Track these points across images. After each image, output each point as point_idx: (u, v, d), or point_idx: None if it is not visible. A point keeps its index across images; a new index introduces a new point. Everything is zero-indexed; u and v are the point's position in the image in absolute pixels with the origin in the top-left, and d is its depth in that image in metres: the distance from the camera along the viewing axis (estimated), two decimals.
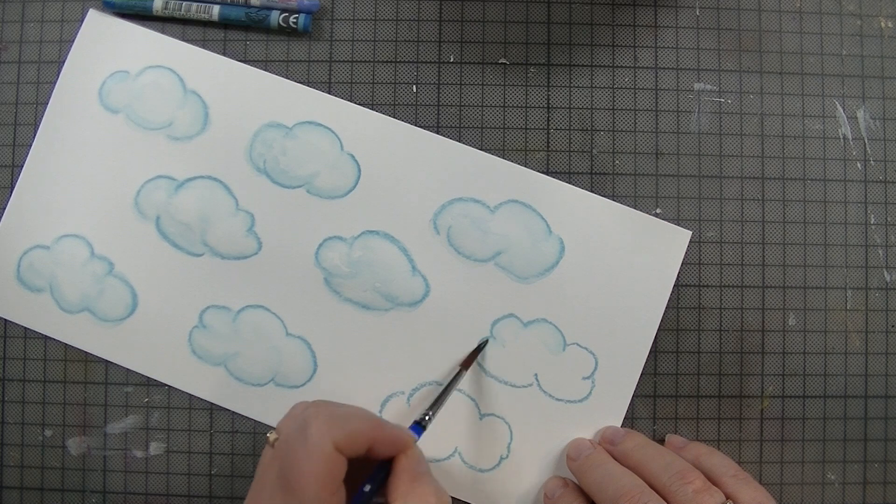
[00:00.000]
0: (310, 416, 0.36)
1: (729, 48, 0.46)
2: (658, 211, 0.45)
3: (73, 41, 0.46)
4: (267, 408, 0.45)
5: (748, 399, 0.45)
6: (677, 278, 0.45)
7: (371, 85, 0.46)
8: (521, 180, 0.45)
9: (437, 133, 0.45)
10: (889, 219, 0.46)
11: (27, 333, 0.45)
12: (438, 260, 0.45)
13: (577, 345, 0.44)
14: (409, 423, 0.40)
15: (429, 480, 0.37)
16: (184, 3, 0.45)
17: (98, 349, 0.45)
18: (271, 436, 0.37)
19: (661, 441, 0.44)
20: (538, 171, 0.45)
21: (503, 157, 0.45)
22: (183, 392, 0.45)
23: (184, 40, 0.46)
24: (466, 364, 0.43)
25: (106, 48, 0.46)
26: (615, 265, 0.45)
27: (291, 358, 0.45)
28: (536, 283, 0.45)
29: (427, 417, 0.40)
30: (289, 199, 0.45)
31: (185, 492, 0.45)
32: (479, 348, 0.44)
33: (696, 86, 0.46)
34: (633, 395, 0.44)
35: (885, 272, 0.46)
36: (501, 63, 0.46)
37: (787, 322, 0.45)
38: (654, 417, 0.45)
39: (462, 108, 0.46)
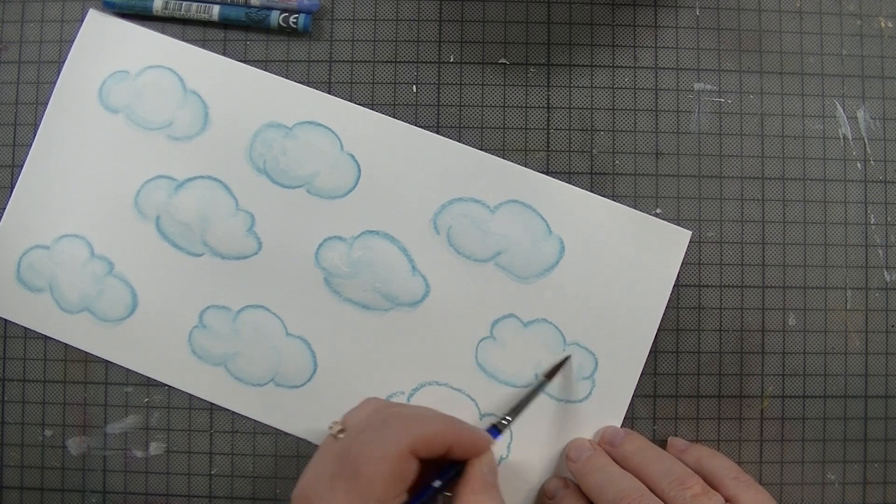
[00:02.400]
0: (391, 414, 0.37)
1: (729, 48, 0.46)
2: (658, 211, 0.45)
3: (73, 41, 0.46)
4: (267, 408, 0.45)
5: (748, 399, 0.45)
6: (677, 278, 0.45)
7: (371, 85, 0.46)
8: (521, 180, 0.45)
9: (437, 133, 0.45)
10: (889, 219, 0.46)
11: (27, 333, 0.45)
12: (438, 260, 0.45)
13: (577, 345, 0.44)
14: (496, 422, 0.41)
15: (496, 494, 0.37)
16: (184, 3, 0.45)
17: (98, 349, 0.45)
18: (334, 427, 0.38)
19: (664, 442, 0.44)
20: (538, 171, 0.45)
21: (503, 157, 0.45)
22: (183, 392, 0.45)
23: (184, 40, 0.46)
24: (549, 375, 0.43)
25: (106, 48, 0.46)
26: (615, 265, 0.45)
27: (291, 358, 0.45)
28: (536, 283, 0.45)
29: (504, 421, 0.41)
30: (289, 199, 0.45)
31: (185, 492, 0.45)
32: (563, 362, 0.44)
33: (696, 86, 0.46)
34: (633, 395, 0.44)
35: (885, 272, 0.46)
36: (501, 63, 0.46)
37: (787, 322, 0.45)
38: (654, 417, 0.45)
39: (462, 108, 0.46)
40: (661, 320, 0.45)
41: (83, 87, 0.46)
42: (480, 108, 0.46)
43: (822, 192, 0.46)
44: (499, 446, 0.44)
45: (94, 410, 0.45)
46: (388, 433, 0.36)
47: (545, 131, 0.46)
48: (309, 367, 0.45)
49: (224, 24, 0.46)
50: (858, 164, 0.46)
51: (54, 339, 0.45)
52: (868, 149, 0.46)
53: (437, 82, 0.46)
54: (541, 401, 0.44)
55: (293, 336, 0.45)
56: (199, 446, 0.45)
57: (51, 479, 0.45)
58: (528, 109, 0.46)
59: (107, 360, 0.45)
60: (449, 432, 0.37)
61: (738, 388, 0.45)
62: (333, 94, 0.46)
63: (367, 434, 0.36)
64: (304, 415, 0.45)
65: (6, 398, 0.45)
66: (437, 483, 0.37)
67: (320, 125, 0.45)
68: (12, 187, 0.46)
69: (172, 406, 0.45)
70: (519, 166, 0.45)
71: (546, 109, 0.46)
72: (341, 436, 0.38)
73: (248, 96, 0.45)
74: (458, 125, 0.46)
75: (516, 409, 0.42)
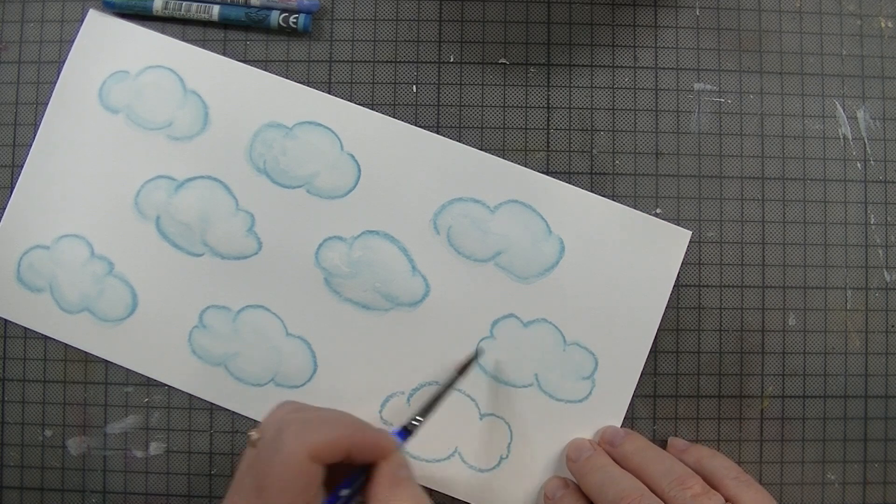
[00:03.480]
0: (285, 422, 0.35)
1: (729, 48, 0.46)
2: (658, 211, 0.45)
3: (73, 41, 0.46)
4: (267, 408, 0.44)
5: (748, 399, 0.45)
6: (677, 278, 0.45)
7: (371, 85, 0.46)
8: (521, 180, 0.45)
9: (437, 133, 0.45)
10: (889, 219, 0.46)
11: (27, 333, 0.45)
12: (438, 260, 0.45)
13: (577, 345, 0.44)
14: (406, 423, 0.39)
15: (409, 485, 0.36)
16: (184, 3, 0.45)
17: (98, 349, 0.45)
18: (254, 434, 0.37)
19: (664, 443, 0.44)
20: (538, 171, 0.45)
21: (503, 157, 0.45)
22: (183, 392, 0.45)
23: (184, 40, 0.46)
24: (461, 370, 0.42)
25: (106, 48, 0.46)
26: (615, 265, 0.45)
27: (291, 358, 0.45)
28: (536, 283, 0.45)
29: (415, 423, 0.39)
30: (289, 199, 0.45)
31: (185, 492, 0.45)
32: (475, 357, 0.43)
33: (696, 86, 0.46)
34: (633, 395, 0.44)
35: (885, 272, 0.46)
36: (501, 63, 0.46)
37: (787, 322, 0.45)
38: (654, 417, 0.45)
39: (462, 108, 0.46)
40: (661, 320, 0.45)
41: (83, 87, 0.46)
42: (480, 108, 0.46)
43: (822, 192, 0.46)
44: (497, 446, 0.44)
45: (94, 410, 0.45)
46: (284, 442, 0.34)
47: (545, 131, 0.46)
48: (309, 367, 0.45)
49: (224, 24, 0.46)
50: (858, 164, 0.46)
51: (54, 339, 0.45)
52: (868, 149, 0.46)
53: (437, 82, 0.46)
54: (541, 401, 0.44)
55: (293, 336, 0.45)
56: (199, 446, 0.45)
57: (51, 479, 0.45)
58: (528, 109, 0.46)
59: (107, 360, 0.45)
60: (345, 437, 0.35)
61: (738, 388, 0.45)
62: (333, 94, 0.46)
63: (267, 444, 0.35)
64: None
65: (6, 398, 0.45)
66: (344, 491, 0.36)
67: (320, 125, 0.45)
68: (12, 187, 0.46)
69: (172, 406, 0.45)
70: (519, 166, 0.45)
71: (546, 109, 0.46)
72: (259, 444, 0.36)
73: (248, 96, 0.45)
74: (458, 125, 0.46)
75: (427, 409, 0.40)
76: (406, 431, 0.39)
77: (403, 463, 0.37)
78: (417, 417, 0.40)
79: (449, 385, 0.42)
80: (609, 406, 0.44)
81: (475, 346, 0.44)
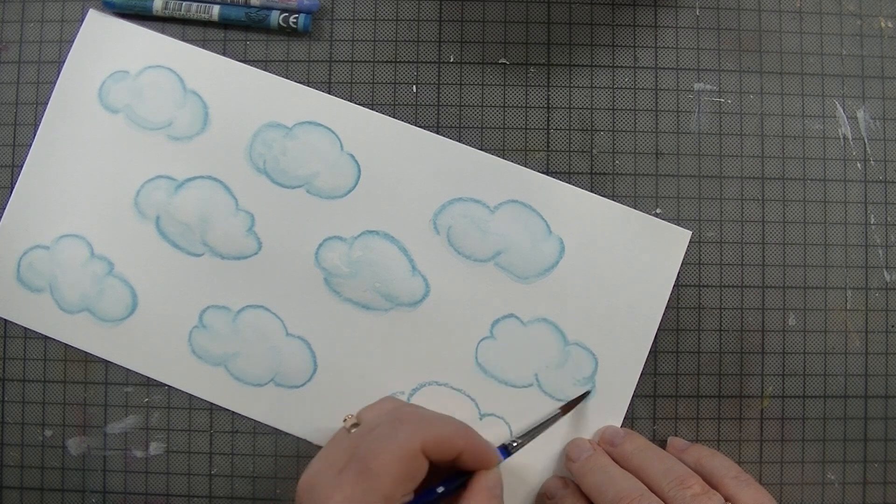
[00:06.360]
0: (405, 413, 0.38)
1: (729, 48, 0.46)
2: (658, 211, 0.45)
3: (73, 41, 0.46)
4: (267, 408, 0.45)
5: (748, 399, 0.45)
6: (677, 278, 0.45)
7: (371, 85, 0.46)
8: (521, 180, 0.45)
9: (437, 133, 0.45)
10: (889, 219, 0.46)
11: (27, 333, 0.45)
12: (438, 260, 0.45)
13: (578, 345, 0.44)
14: (506, 442, 0.41)
15: None
16: (184, 3, 0.45)
17: (98, 349, 0.45)
18: (348, 421, 0.39)
19: (664, 442, 0.44)
20: (538, 171, 0.45)
21: (503, 157, 0.45)
22: (183, 392, 0.45)
23: (184, 40, 0.46)
24: (566, 409, 0.43)
25: (106, 48, 0.46)
26: (615, 265, 0.45)
27: (291, 358, 0.45)
28: (536, 283, 0.45)
29: (515, 444, 0.41)
30: (289, 199, 0.45)
31: (185, 492, 0.45)
32: (583, 397, 0.44)
33: (696, 86, 0.46)
34: (633, 395, 0.44)
35: (885, 272, 0.46)
36: (501, 63, 0.46)
37: (787, 322, 0.45)
38: (654, 417, 0.45)
39: (462, 108, 0.46)
40: (661, 320, 0.45)
41: (83, 87, 0.46)
42: (480, 108, 0.46)
43: (822, 192, 0.46)
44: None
45: (94, 410, 0.45)
46: (401, 431, 0.36)
47: (545, 131, 0.46)
48: (309, 367, 0.45)
49: (224, 24, 0.46)
50: (858, 164, 0.46)
51: (54, 339, 0.45)
52: (868, 149, 0.46)
53: (437, 82, 0.46)
54: (541, 401, 0.44)
55: (293, 336, 0.45)
56: (199, 446, 0.45)
57: (51, 479, 0.45)
58: (528, 109, 0.46)
59: (107, 360, 0.45)
60: (461, 437, 0.37)
61: (738, 388, 0.45)
62: (333, 94, 0.46)
63: (380, 430, 0.37)
64: (304, 415, 0.45)
65: (6, 398, 0.45)
66: (440, 488, 0.37)
67: (320, 125, 0.45)
68: (12, 187, 0.46)
69: (172, 406, 0.45)
70: (519, 166, 0.45)
71: (546, 109, 0.46)
72: (354, 430, 0.39)
73: (248, 96, 0.45)
74: (458, 125, 0.46)
75: (528, 435, 0.42)
76: (505, 450, 0.41)
77: (499, 481, 0.39)
78: (518, 439, 0.41)
79: (552, 420, 0.43)
80: (609, 406, 0.44)
81: (583, 389, 0.44)
